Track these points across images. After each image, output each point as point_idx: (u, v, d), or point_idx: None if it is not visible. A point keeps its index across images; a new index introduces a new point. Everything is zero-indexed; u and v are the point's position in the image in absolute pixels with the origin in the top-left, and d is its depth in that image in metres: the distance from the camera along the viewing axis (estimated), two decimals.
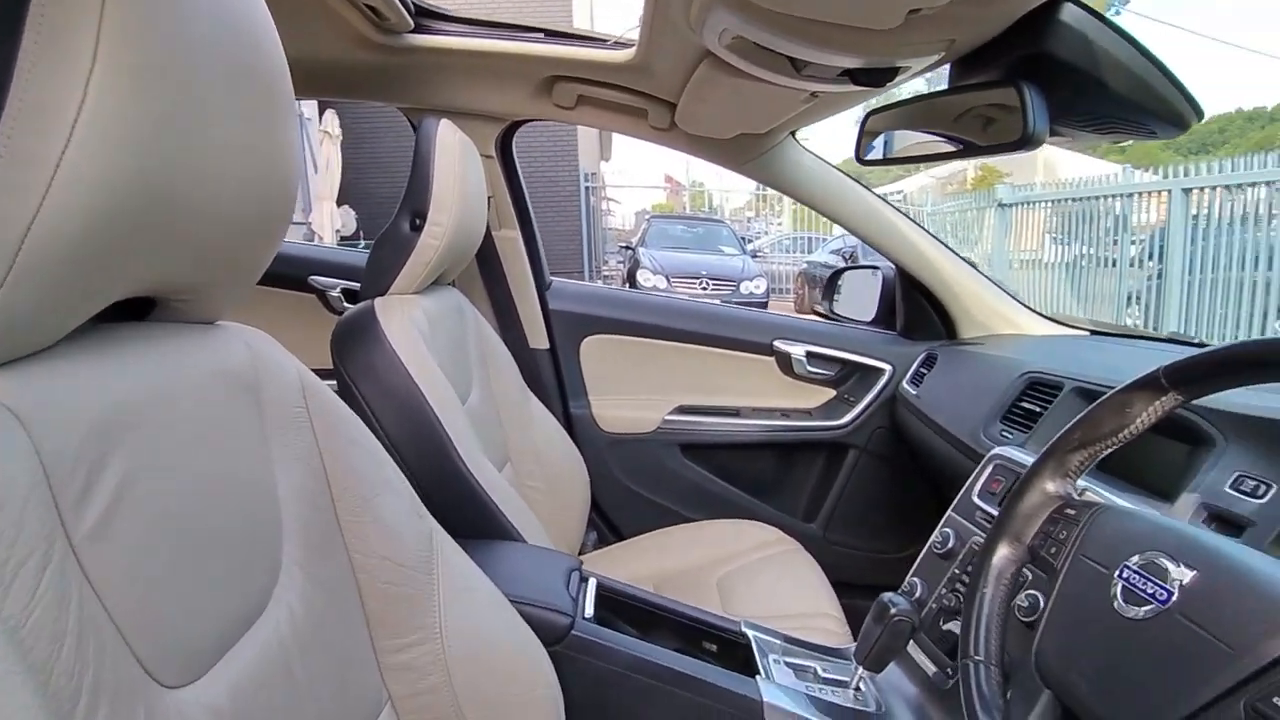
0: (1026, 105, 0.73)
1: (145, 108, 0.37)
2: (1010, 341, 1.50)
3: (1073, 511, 0.65)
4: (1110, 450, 0.66)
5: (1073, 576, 0.59)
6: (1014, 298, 1.60)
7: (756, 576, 1.39)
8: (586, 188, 10.66)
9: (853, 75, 0.86)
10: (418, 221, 1.08)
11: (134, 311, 0.51)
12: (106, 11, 0.35)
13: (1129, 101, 0.74)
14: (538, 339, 1.66)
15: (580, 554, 1.55)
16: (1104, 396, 0.66)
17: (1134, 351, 1.34)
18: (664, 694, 0.89)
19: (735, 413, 1.73)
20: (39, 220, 0.34)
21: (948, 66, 0.89)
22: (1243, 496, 0.74)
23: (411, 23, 1.26)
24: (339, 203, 8.46)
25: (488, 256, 1.57)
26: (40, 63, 0.34)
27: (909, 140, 0.95)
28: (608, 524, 1.73)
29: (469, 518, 1.02)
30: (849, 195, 1.53)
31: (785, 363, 1.71)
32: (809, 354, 1.70)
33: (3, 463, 0.35)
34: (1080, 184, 6.81)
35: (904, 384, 1.61)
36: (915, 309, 1.65)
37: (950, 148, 0.89)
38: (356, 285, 1.58)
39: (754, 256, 9.98)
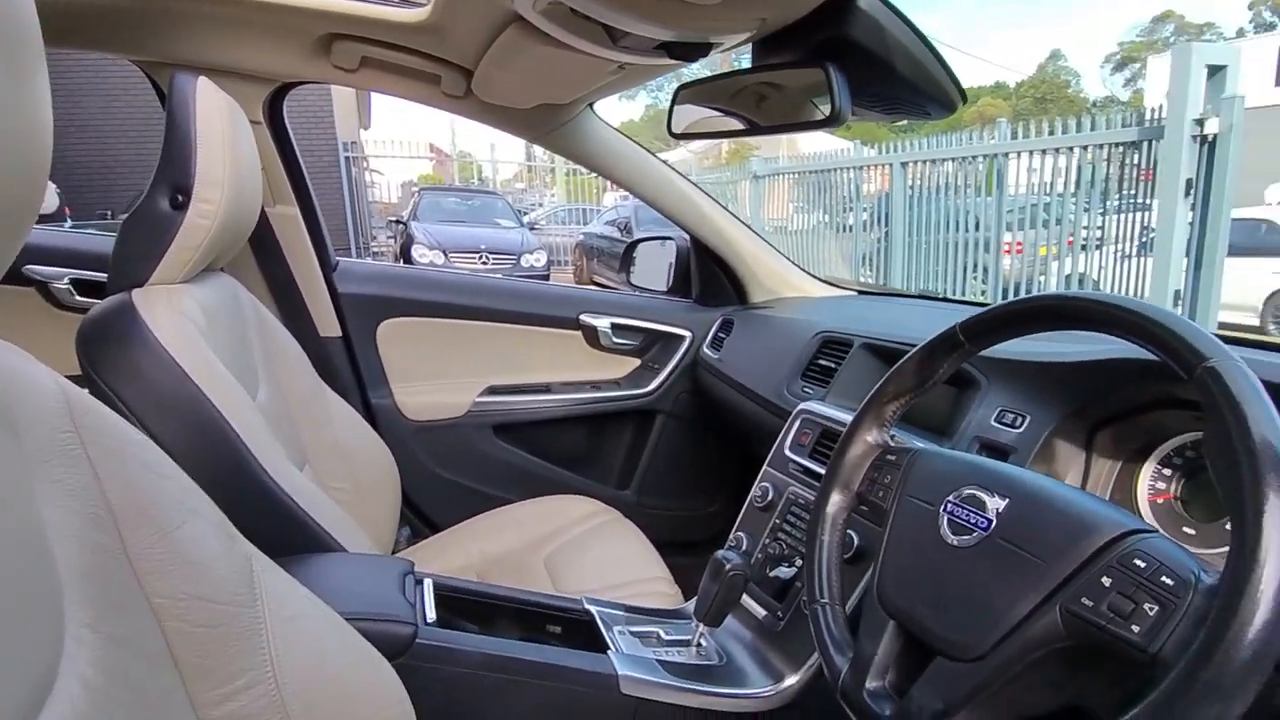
0: (833, 85, 0.79)
1: None
2: (796, 304, 1.63)
3: (893, 457, 0.73)
4: (917, 399, 0.75)
5: (901, 515, 0.66)
6: (792, 262, 1.75)
7: (582, 550, 1.39)
8: (347, 158, 9.83)
9: (668, 49, 0.86)
10: (180, 198, 0.91)
11: None
12: None
13: (912, 84, 0.83)
14: (328, 326, 1.51)
15: (394, 552, 1.45)
16: (911, 351, 0.74)
17: (899, 306, 1.52)
18: (519, 686, 0.86)
19: (546, 389, 1.72)
20: None
21: (750, 46, 0.92)
22: (1004, 428, 0.87)
23: None
24: None
25: (262, 237, 1.38)
26: None
27: (718, 115, 0.98)
28: (420, 517, 1.64)
29: (279, 532, 0.90)
30: (645, 167, 1.56)
31: (592, 336, 1.72)
32: (614, 326, 1.73)
33: None
34: (819, 158, 7.60)
35: (704, 349, 1.70)
36: (709, 277, 1.74)
37: (757, 122, 0.94)
38: (91, 274, 1.31)
39: (531, 229, 9.90)
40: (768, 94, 0.91)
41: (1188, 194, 3.78)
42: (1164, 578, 0.47)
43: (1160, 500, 0.76)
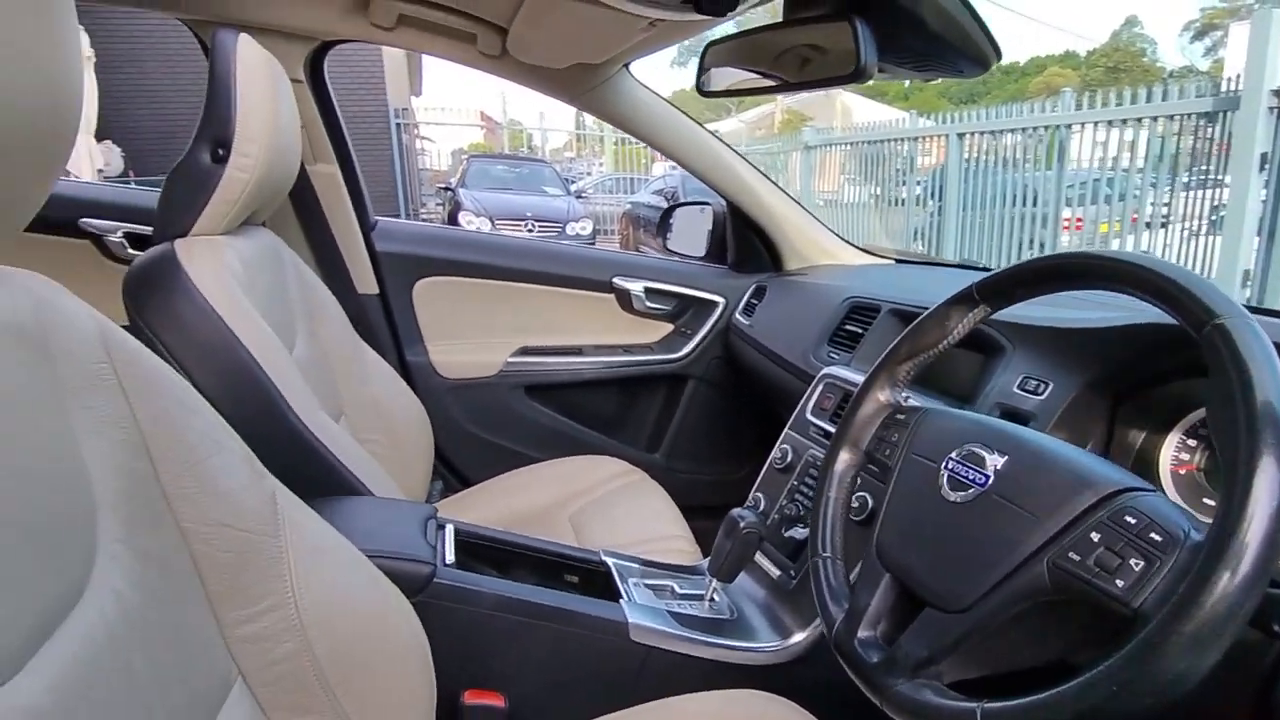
0: (859, 39, 0.77)
1: None
2: (830, 271, 1.62)
3: (902, 416, 0.72)
4: (931, 359, 0.74)
5: (905, 473, 0.66)
6: (831, 230, 1.73)
7: (607, 509, 1.42)
8: (398, 124, 9.96)
9: (695, 2, 0.86)
10: (220, 152, 0.95)
11: None
12: None
13: (943, 40, 0.81)
14: (365, 284, 1.55)
15: (427, 503, 1.50)
16: (926, 311, 0.73)
17: (934, 275, 1.49)
18: (532, 629, 0.89)
19: (578, 351, 1.74)
20: None
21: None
22: (1026, 394, 0.86)
23: None
24: (98, 137, 7.27)
25: (303, 194, 1.42)
26: None
27: (746, 73, 0.97)
28: (453, 472, 1.69)
29: (309, 475, 0.95)
30: (683, 131, 1.55)
31: (625, 299, 1.74)
32: (647, 290, 1.73)
33: None
34: (872, 129, 7.40)
35: (737, 315, 1.70)
36: (744, 243, 1.73)
37: (786, 79, 0.93)
38: (144, 229, 1.37)
39: (578, 198, 9.92)
40: (796, 50, 0.90)
41: (1262, 169, 3.57)
42: (1153, 534, 0.47)
43: (1183, 471, 0.74)
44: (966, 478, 0.59)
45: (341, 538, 0.76)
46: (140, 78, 9.12)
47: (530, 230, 7.91)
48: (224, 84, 0.94)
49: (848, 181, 8.03)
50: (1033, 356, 0.89)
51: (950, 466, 0.61)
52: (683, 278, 1.76)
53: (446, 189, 9.29)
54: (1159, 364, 0.75)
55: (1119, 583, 0.47)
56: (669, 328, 1.80)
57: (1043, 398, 0.84)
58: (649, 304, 1.74)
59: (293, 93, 1.11)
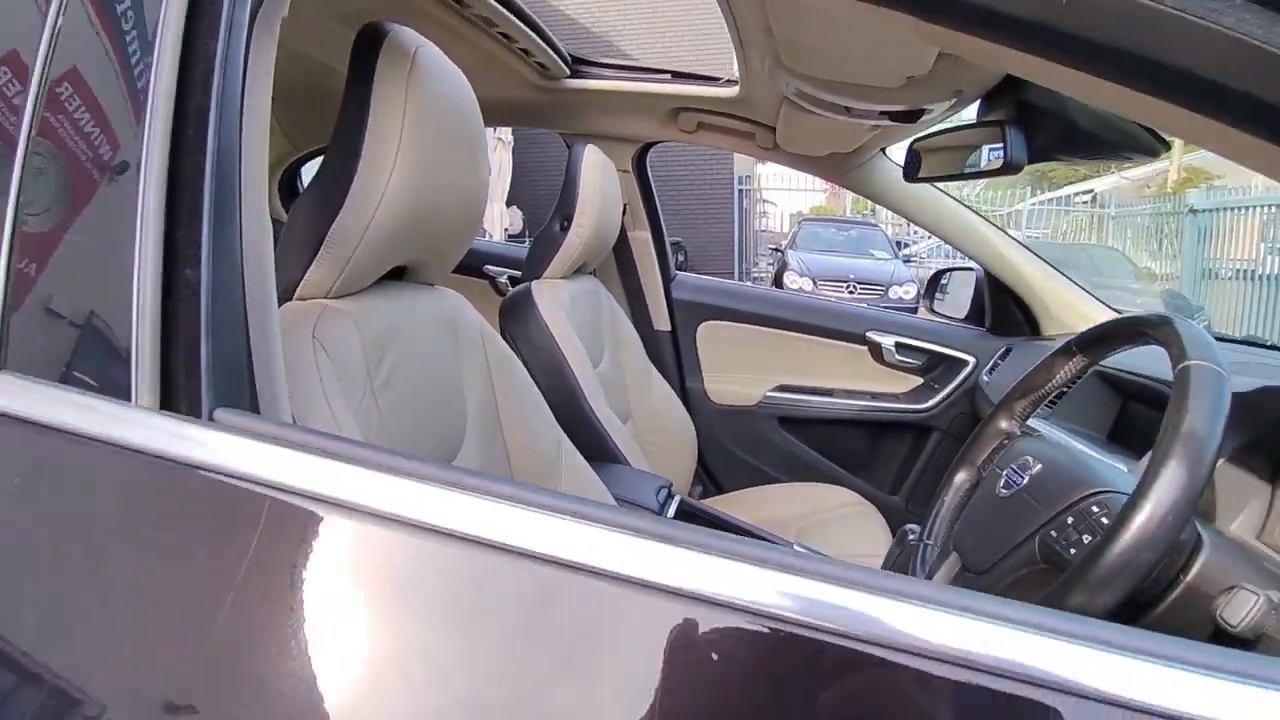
0: (1007, 141, 0.96)
1: (421, 159, 0.73)
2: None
3: (1008, 441, 0.89)
4: (1045, 400, 0.89)
5: (987, 480, 0.84)
6: (1099, 300, 1.73)
7: (829, 529, 1.64)
8: (740, 190, 10.93)
9: (890, 115, 1.11)
10: (565, 223, 1.44)
11: (395, 274, 0.90)
12: (406, 112, 0.71)
13: (1098, 137, 0.95)
14: (661, 322, 2.00)
15: None
16: (1039, 360, 0.89)
17: None
18: None
19: (829, 393, 1.98)
20: (374, 221, 0.71)
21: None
22: None
23: (568, 70, 1.64)
24: (508, 203, 9.30)
25: (622, 252, 1.93)
26: (373, 140, 0.71)
27: (943, 163, 1.18)
28: (711, 479, 2.04)
29: (591, 445, 1.37)
30: (936, 204, 1.73)
31: (876, 351, 1.93)
32: (898, 344, 1.91)
33: (348, 340, 0.73)
34: None
35: (984, 375, 1.79)
36: (1000, 307, 1.81)
37: (971, 170, 1.12)
38: (518, 273, 2.00)
39: (908, 261, 9.80)
40: (972, 145, 1.09)
41: None
42: (1104, 519, 0.62)
43: None
44: (1012, 480, 0.77)
45: (598, 480, 1.15)
46: (543, 155, 11.45)
47: (851, 291, 8.07)
48: (574, 177, 1.43)
49: (1268, 251, 6.72)
50: None
51: (1006, 472, 0.78)
52: (934, 335, 1.91)
53: (777, 250, 9.92)
54: None
55: (1072, 551, 0.63)
56: (918, 380, 1.94)
57: None
58: (899, 357, 1.91)
59: (618, 181, 1.60)
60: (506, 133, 8.93)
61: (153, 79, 0.50)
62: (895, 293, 8.18)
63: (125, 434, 0.47)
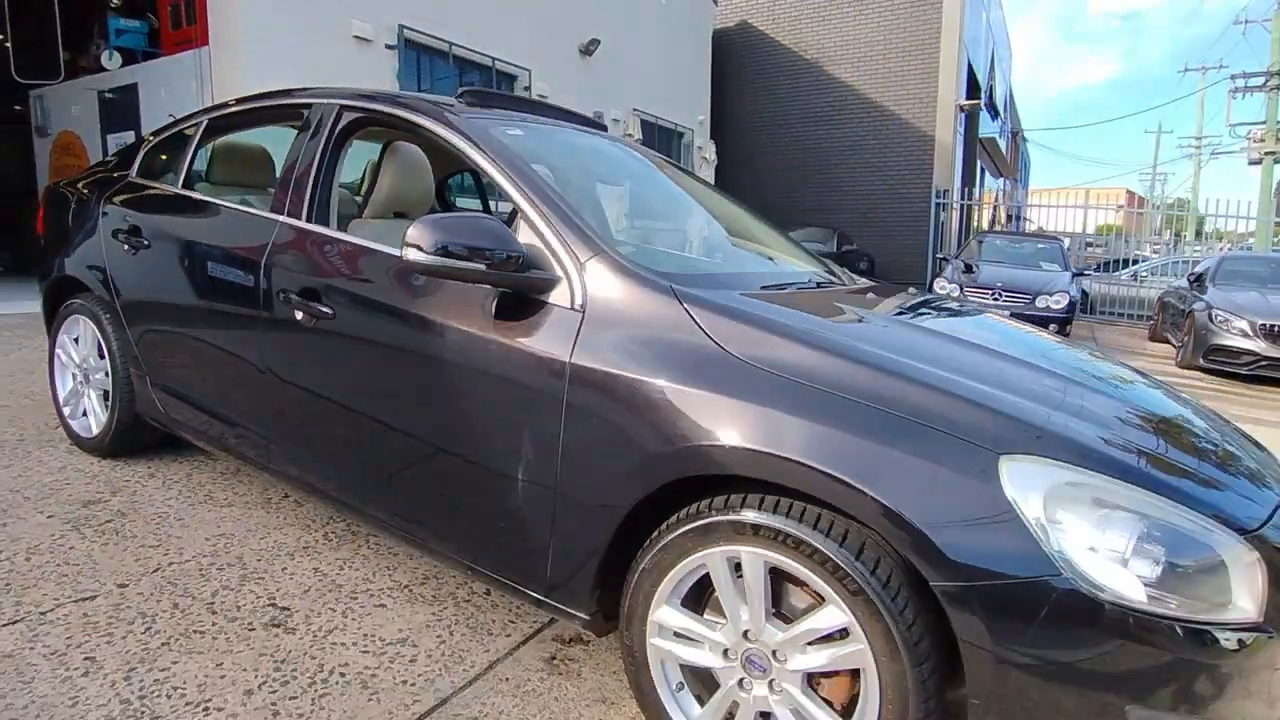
0: None
1: None
2: None
3: None
4: None
5: None
6: None
7: None
8: (937, 204, 11.39)
9: None
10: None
11: None
12: None
13: None
14: None
15: None
16: None
17: None
18: None
19: None
20: None
21: None
22: None
23: None
24: None
25: None
26: None
27: None
28: None
29: None
30: None
31: None
32: None
33: None
34: None
35: None
36: None
37: None
38: None
39: (1079, 274, 9.61)
40: None
41: None
42: None
43: None
44: None
45: None
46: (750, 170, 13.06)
47: (996, 299, 8.47)
48: None
49: None
50: None
51: None
52: None
53: (944, 259, 10.28)
54: None
55: None
56: None
57: None
58: None
59: None
60: (711, 151, 10.93)
61: None
62: (1043, 301, 8.34)
63: None
